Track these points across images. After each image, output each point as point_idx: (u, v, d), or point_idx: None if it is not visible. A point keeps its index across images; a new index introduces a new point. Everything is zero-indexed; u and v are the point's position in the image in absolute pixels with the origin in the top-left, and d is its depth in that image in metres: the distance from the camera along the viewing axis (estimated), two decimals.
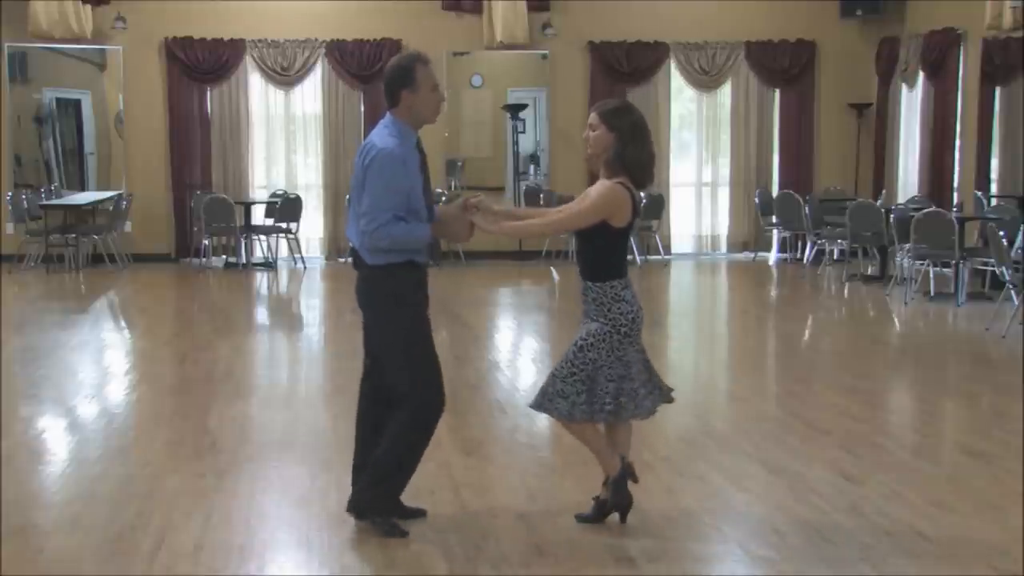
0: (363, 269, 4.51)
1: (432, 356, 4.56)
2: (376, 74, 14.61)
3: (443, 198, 13.63)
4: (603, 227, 4.49)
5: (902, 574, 4.29)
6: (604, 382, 4.52)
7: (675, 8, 15.18)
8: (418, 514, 4.74)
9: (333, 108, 14.87)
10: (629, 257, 4.77)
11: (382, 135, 4.44)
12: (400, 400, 4.53)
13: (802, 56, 15.38)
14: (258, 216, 14.63)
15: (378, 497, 4.59)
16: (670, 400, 4.83)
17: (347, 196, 14.39)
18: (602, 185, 4.53)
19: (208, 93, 14.71)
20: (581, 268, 4.65)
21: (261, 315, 11.87)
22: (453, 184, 15.18)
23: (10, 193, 14.18)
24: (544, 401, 4.61)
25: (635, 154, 4.50)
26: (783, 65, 15.37)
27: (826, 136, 15.62)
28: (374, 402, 4.67)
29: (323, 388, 7.91)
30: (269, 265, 14.30)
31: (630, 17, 14.98)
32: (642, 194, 4.63)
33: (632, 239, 4.85)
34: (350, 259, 4.70)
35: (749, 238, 15.64)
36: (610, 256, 4.57)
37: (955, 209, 12.61)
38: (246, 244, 14.23)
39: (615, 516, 4.73)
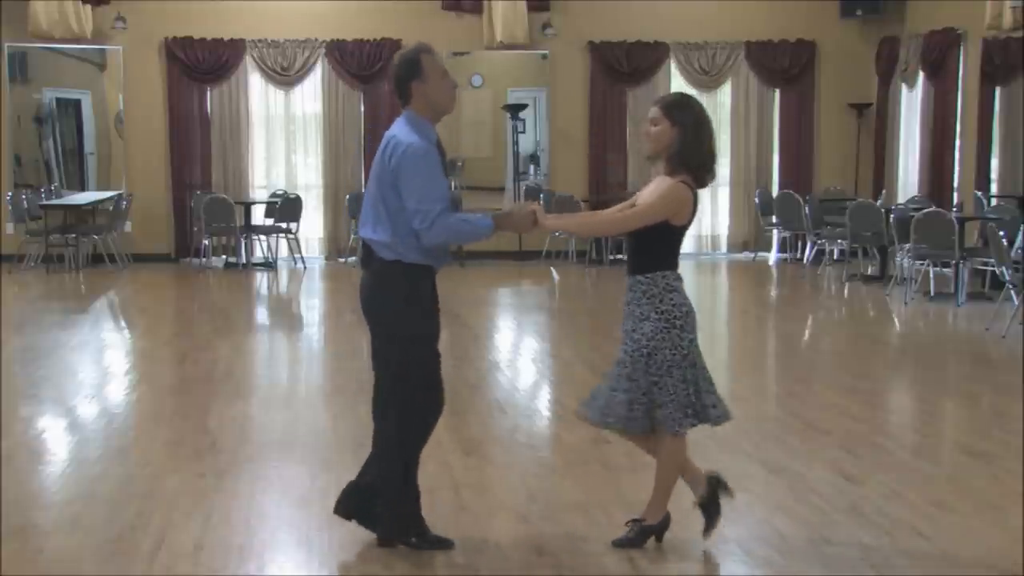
0: (375, 265, 4.34)
1: (436, 361, 4.42)
2: (376, 74, 14.63)
3: None
4: (662, 225, 4.30)
5: (902, 574, 4.29)
6: (678, 383, 4.31)
7: (675, 8, 15.17)
8: (446, 545, 4.49)
9: (333, 108, 14.86)
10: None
11: (404, 131, 4.28)
12: (392, 407, 4.37)
13: (802, 56, 15.38)
14: (258, 216, 14.62)
15: (403, 518, 4.44)
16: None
17: (347, 196, 14.55)
18: (665, 184, 4.32)
19: (208, 93, 14.70)
20: (631, 263, 4.44)
21: (261, 315, 11.87)
22: (453, 185, 15.17)
23: (10, 193, 14.17)
24: (607, 417, 4.38)
25: (698, 151, 4.30)
26: (783, 65, 15.36)
27: (826, 136, 15.62)
28: None
29: (323, 388, 7.91)
30: (269, 265, 14.30)
31: (630, 17, 14.98)
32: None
33: None
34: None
35: (749, 238, 15.64)
36: (662, 249, 4.37)
37: (955, 209, 12.60)
38: (246, 244, 14.23)
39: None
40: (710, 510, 4.51)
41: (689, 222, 4.40)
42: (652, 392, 4.33)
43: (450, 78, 4.41)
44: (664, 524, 4.52)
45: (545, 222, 4.42)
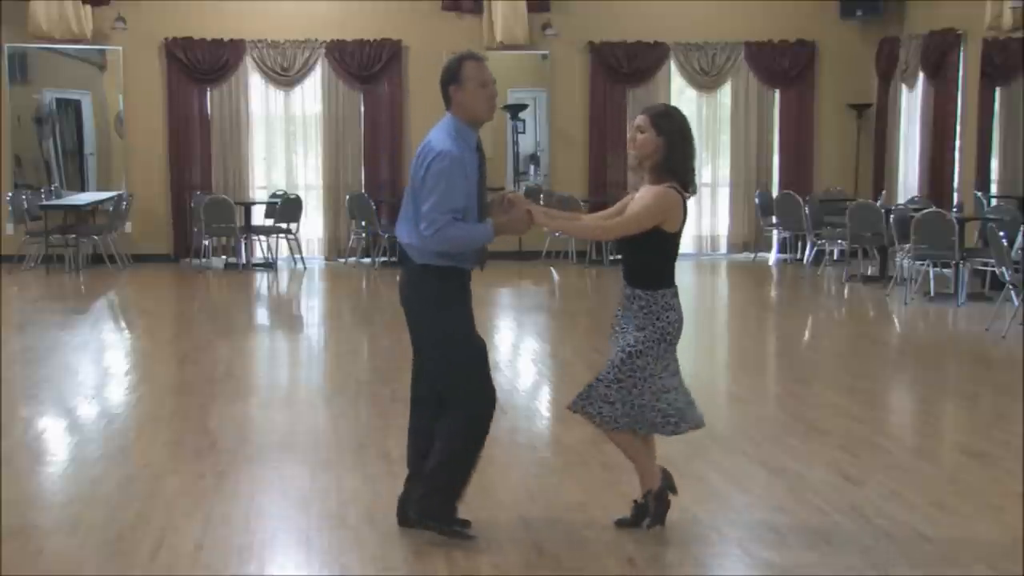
0: (409, 266, 4.48)
1: (477, 357, 4.55)
2: (376, 74, 14.64)
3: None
4: (655, 232, 4.43)
5: (902, 574, 4.29)
6: (655, 394, 4.47)
7: (675, 8, 15.17)
8: (464, 525, 4.59)
9: (333, 108, 14.85)
10: None
11: (440, 136, 4.43)
12: (448, 404, 4.50)
13: (802, 56, 15.37)
14: (258, 217, 14.62)
15: (438, 505, 4.51)
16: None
17: (347, 196, 14.55)
18: (655, 190, 4.45)
19: (208, 93, 14.70)
20: (628, 273, 4.57)
21: (261, 316, 11.86)
22: None
23: (10, 193, 14.16)
24: (586, 404, 4.53)
25: (683, 159, 4.46)
26: (783, 65, 15.36)
27: (826, 136, 15.61)
28: (430, 404, 4.58)
29: (323, 388, 7.91)
30: (269, 266, 14.30)
31: (630, 17, 14.98)
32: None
33: None
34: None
35: (749, 238, 15.63)
36: (662, 262, 4.51)
37: (955, 209, 12.60)
38: (246, 245, 14.23)
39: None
40: (660, 505, 4.61)
41: (680, 229, 4.51)
42: (612, 387, 4.45)
43: (490, 88, 4.50)
44: (666, 480, 4.62)
45: (545, 222, 4.62)
